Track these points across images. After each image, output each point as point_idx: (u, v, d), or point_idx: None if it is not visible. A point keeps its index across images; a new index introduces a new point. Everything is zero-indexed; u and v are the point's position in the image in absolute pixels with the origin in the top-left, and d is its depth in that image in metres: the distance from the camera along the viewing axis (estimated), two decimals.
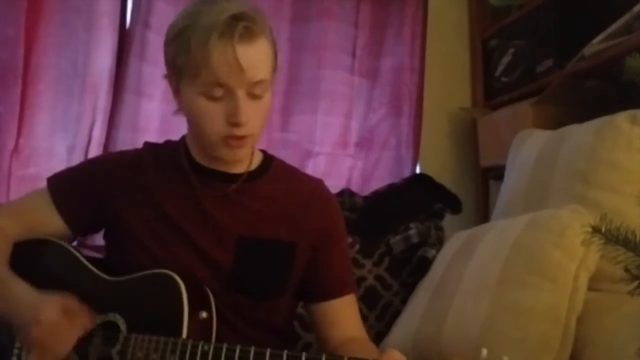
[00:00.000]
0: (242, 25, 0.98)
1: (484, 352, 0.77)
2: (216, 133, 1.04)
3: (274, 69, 1.07)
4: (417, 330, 1.35)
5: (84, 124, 1.80)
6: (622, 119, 1.31)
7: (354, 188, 2.00)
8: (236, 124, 1.02)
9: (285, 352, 0.87)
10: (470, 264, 1.33)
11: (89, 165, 1.25)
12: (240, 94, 1.01)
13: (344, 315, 1.16)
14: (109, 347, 1.02)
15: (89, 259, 1.17)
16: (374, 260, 1.68)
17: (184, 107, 1.08)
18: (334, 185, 1.91)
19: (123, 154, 1.28)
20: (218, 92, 1.01)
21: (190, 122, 1.10)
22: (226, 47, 0.98)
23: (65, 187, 1.18)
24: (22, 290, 1.06)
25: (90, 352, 1.04)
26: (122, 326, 1.03)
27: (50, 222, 1.17)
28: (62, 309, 0.99)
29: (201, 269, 1.08)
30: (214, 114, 1.02)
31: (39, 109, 1.77)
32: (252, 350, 0.89)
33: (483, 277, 1.25)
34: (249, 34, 0.99)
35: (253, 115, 1.03)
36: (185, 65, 1.01)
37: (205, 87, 1.01)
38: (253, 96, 1.03)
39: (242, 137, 1.05)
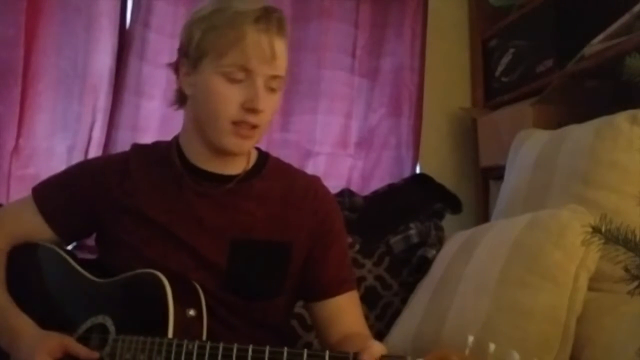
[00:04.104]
0: (276, 17, 1.03)
1: (470, 339, 0.77)
2: (228, 117, 1.03)
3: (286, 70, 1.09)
4: (417, 330, 1.35)
5: (84, 124, 1.80)
6: (622, 119, 1.31)
7: (354, 188, 2.00)
8: (253, 110, 1.02)
9: (267, 348, 0.86)
10: (470, 264, 1.33)
11: (73, 172, 1.22)
12: (261, 82, 1.02)
13: (342, 314, 1.13)
14: (100, 349, 1.01)
15: (78, 261, 1.15)
16: (374, 260, 1.68)
17: (196, 89, 1.06)
18: (334, 185, 1.91)
19: (108, 158, 1.27)
20: (239, 76, 1.02)
21: (201, 106, 1.07)
22: (261, 34, 1.01)
23: (51, 196, 1.16)
24: (25, 328, 1.04)
25: None
26: (111, 328, 1.02)
27: (39, 233, 1.15)
28: (61, 353, 0.98)
29: (195, 270, 1.07)
30: (230, 97, 1.03)
31: (39, 109, 1.76)
32: (235, 347, 0.88)
33: (483, 277, 1.25)
34: (281, 28, 1.04)
35: (267, 107, 1.04)
36: (211, 44, 1.02)
37: (228, 67, 1.02)
38: (269, 89, 1.04)
39: (253, 127, 1.04)
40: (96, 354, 1.00)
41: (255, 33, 1.01)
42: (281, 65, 1.05)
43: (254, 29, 1.01)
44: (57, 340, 1.00)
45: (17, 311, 1.07)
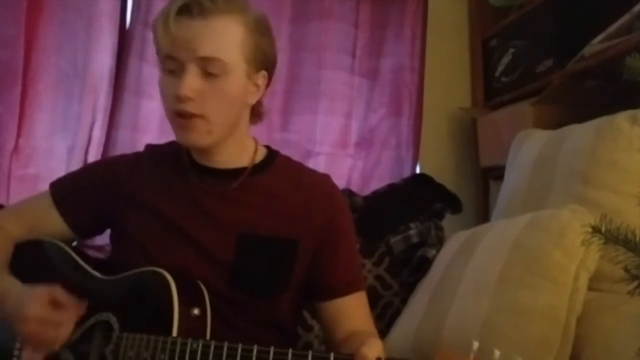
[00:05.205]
0: (184, 2, 1.00)
1: (475, 344, 0.76)
2: (167, 109, 1.05)
3: (252, 59, 1.06)
4: (417, 330, 1.35)
5: (84, 124, 1.80)
6: (622, 119, 1.31)
7: (354, 188, 2.00)
8: (178, 98, 1.01)
9: (272, 348, 0.86)
10: (470, 264, 1.33)
11: (88, 168, 1.29)
12: (191, 68, 1.01)
13: (349, 313, 1.13)
14: (104, 346, 1.02)
15: (85, 258, 1.17)
16: (374, 260, 1.68)
17: None
18: None
19: (122, 156, 1.29)
20: (171, 66, 1.03)
21: None
22: (182, 20, 1.00)
23: (67, 191, 1.21)
24: (10, 287, 1.06)
25: (90, 353, 1.04)
26: (115, 325, 1.03)
27: (52, 225, 1.18)
28: (49, 301, 0.99)
29: (201, 266, 1.08)
30: (167, 88, 1.04)
31: (39, 109, 1.76)
32: (240, 347, 0.89)
33: (483, 277, 1.25)
34: (202, 9, 1.00)
35: (204, 94, 1.02)
36: (155, 44, 1.06)
37: (162, 61, 1.04)
38: (206, 74, 1.02)
39: (189, 116, 1.03)
40: (83, 305, 1.02)
41: (177, 21, 1.00)
42: (207, 46, 1.00)
43: (177, 18, 1.00)
44: (44, 290, 1.00)
45: (5, 275, 1.09)
